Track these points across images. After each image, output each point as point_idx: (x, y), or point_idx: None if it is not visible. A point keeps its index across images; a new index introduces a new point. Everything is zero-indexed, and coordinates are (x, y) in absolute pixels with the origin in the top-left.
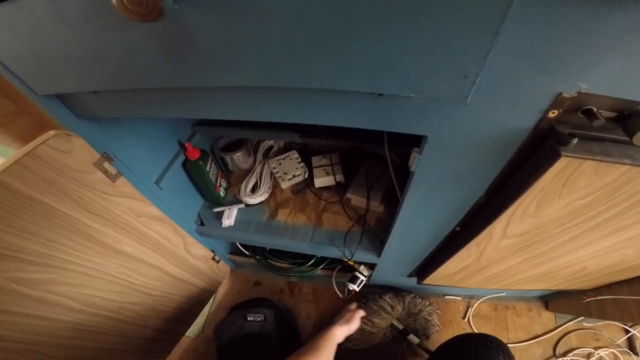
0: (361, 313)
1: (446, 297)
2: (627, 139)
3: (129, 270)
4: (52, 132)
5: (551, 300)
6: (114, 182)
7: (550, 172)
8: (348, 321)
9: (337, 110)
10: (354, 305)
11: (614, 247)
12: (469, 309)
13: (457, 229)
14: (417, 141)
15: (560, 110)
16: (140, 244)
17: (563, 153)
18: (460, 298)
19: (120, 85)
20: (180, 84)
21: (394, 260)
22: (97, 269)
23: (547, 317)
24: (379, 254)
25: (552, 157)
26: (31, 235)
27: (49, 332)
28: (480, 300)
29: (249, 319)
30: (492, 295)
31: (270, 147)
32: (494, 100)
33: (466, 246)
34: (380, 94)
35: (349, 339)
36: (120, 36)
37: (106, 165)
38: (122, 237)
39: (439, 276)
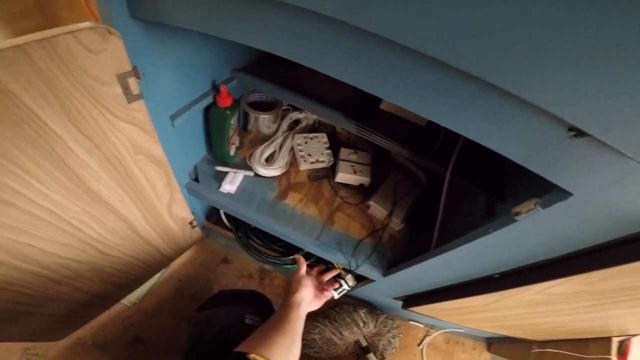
0: (329, 294)
1: (410, 322)
2: None
3: (91, 220)
4: (88, 23)
5: (495, 343)
6: (129, 103)
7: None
8: (316, 298)
9: (495, 128)
10: (322, 277)
11: (599, 317)
12: (426, 338)
13: (496, 276)
14: (517, 184)
15: None
16: (121, 187)
17: None
18: (422, 326)
19: None
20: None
21: (396, 284)
22: (52, 210)
23: (486, 359)
24: (383, 274)
25: None
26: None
27: None
28: (439, 331)
29: (247, 321)
30: (451, 330)
31: (298, 121)
32: None
33: (496, 292)
34: (576, 134)
35: (309, 344)
36: None
37: (131, 81)
38: (103, 175)
39: (431, 308)
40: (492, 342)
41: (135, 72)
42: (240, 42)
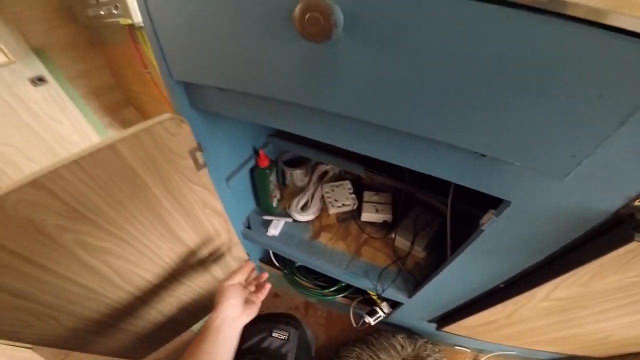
0: (262, 297)
1: (456, 347)
2: None
3: (175, 256)
4: (168, 115)
5: None
6: (198, 170)
7: (616, 252)
8: (248, 308)
9: (433, 161)
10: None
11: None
12: None
13: (501, 285)
14: (489, 202)
15: None
16: (195, 233)
17: (637, 239)
18: (469, 350)
19: (252, 89)
20: (306, 102)
21: (422, 304)
22: (151, 249)
23: None
24: (409, 295)
25: (624, 240)
26: (115, 202)
27: (77, 301)
28: (489, 355)
29: (273, 334)
30: (501, 352)
31: (326, 172)
32: (590, 181)
33: (504, 302)
34: (484, 155)
35: None
36: (278, 46)
37: (197, 154)
38: (184, 224)
39: (461, 326)
40: None
41: (200, 147)
42: (277, 127)
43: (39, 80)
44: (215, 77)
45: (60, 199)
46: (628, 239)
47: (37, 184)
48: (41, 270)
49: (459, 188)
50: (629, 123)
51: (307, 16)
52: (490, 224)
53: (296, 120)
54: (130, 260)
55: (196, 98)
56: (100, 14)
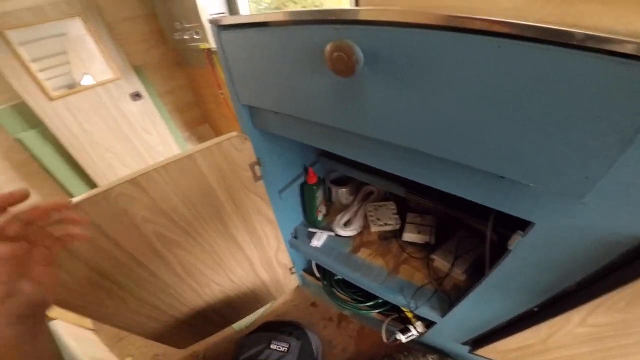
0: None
1: None
2: None
3: (229, 254)
4: (235, 133)
5: None
6: (256, 182)
7: None
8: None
9: (458, 181)
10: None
11: None
12: None
13: (535, 309)
14: (523, 224)
15: None
16: (249, 236)
17: None
18: None
19: (298, 113)
20: (340, 125)
21: (456, 325)
22: (211, 245)
23: None
24: (443, 315)
25: None
26: (190, 203)
27: (144, 285)
28: None
29: (272, 346)
30: None
31: (372, 193)
32: (614, 204)
33: (538, 325)
34: (502, 177)
35: None
36: (316, 79)
37: (256, 168)
38: (240, 227)
39: (495, 349)
40: None
41: (259, 161)
42: (319, 147)
43: (137, 96)
44: (271, 102)
45: (150, 196)
46: None
47: (135, 182)
48: (125, 254)
49: (500, 213)
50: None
51: (334, 55)
52: (517, 245)
53: (334, 141)
54: (193, 253)
55: (257, 119)
56: (185, 38)
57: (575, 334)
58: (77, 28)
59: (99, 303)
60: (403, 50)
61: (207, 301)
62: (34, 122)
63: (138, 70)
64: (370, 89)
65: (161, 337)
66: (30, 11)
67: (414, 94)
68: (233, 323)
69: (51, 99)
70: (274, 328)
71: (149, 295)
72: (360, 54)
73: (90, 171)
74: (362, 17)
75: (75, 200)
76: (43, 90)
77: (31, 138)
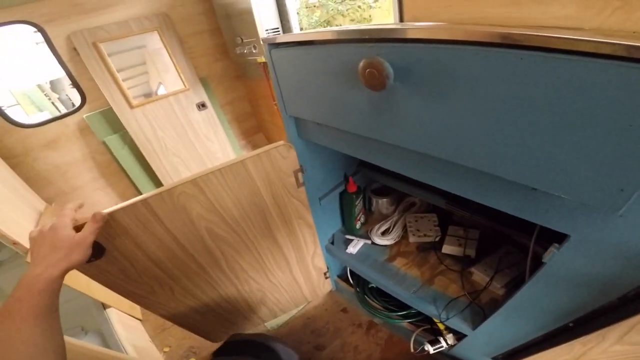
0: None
1: None
2: None
3: (269, 253)
4: (282, 142)
5: None
6: (298, 187)
7: None
8: (75, 244)
9: (490, 192)
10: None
11: None
12: None
13: (570, 324)
14: (561, 238)
15: None
16: (289, 238)
17: None
18: None
19: (337, 125)
20: (374, 136)
21: (487, 338)
22: (254, 244)
23: None
24: (474, 328)
25: None
26: (239, 204)
27: (191, 276)
28: None
29: None
30: None
31: (413, 204)
32: None
33: (571, 342)
34: (534, 189)
35: None
36: (351, 93)
37: (299, 174)
38: (281, 229)
39: None
40: None
41: (302, 169)
42: (357, 157)
43: (202, 106)
44: (313, 114)
45: (206, 195)
46: None
47: (195, 182)
48: (179, 246)
49: (544, 227)
50: None
51: (367, 71)
52: (552, 257)
53: (369, 150)
54: (238, 250)
55: (302, 129)
56: (244, 52)
57: (611, 352)
58: (154, 41)
59: (151, 291)
60: (432, 68)
61: (245, 297)
62: (117, 127)
63: (203, 82)
64: (402, 102)
65: (199, 328)
66: (118, 25)
67: (445, 107)
68: (265, 322)
69: (132, 107)
70: (239, 349)
71: (194, 286)
72: (390, 70)
73: (158, 173)
74: (404, 35)
75: (144, 196)
76: (126, 98)
77: (114, 141)
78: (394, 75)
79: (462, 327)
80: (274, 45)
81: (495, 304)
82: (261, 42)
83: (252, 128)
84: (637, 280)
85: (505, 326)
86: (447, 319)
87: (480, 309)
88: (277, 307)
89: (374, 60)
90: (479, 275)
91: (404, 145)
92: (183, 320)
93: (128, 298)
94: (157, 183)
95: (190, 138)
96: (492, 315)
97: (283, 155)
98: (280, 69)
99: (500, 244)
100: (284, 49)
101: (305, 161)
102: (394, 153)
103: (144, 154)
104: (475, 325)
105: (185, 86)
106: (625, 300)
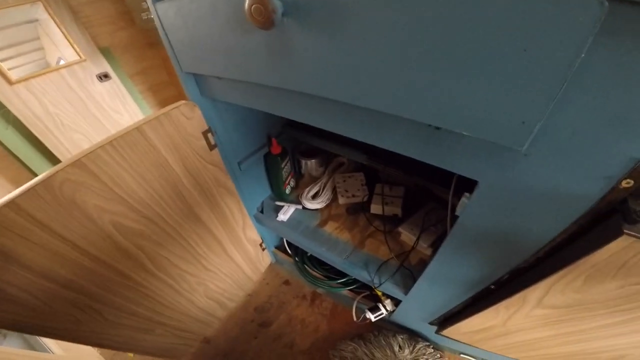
0: None
1: (462, 355)
2: None
3: (198, 238)
4: (182, 102)
5: None
6: (210, 150)
7: (607, 250)
8: None
9: (396, 136)
10: None
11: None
12: None
13: (492, 287)
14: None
15: (638, 181)
16: (212, 212)
17: (626, 231)
18: None
19: (236, 76)
20: (274, 83)
21: (420, 303)
22: (175, 229)
23: None
24: (406, 292)
25: (613, 234)
26: (145, 182)
27: (117, 290)
28: None
29: None
30: None
31: (342, 164)
32: (556, 156)
33: (495, 306)
34: (437, 128)
35: None
36: (245, 38)
37: (209, 135)
38: (202, 203)
39: (459, 331)
40: None
41: (210, 130)
42: (264, 110)
43: (104, 77)
44: (211, 67)
45: (99, 179)
46: (616, 233)
47: (79, 164)
48: (83, 255)
49: (463, 178)
50: (575, 82)
51: (252, 7)
52: (464, 209)
53: (276, 101)
54: (158, 242)
55: (203, 87)
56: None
57: (534, 316)
58: (41, 13)
59: (74, 320)
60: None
61: (188, 297)
62: None
63: (105, 52)
64: (296, 41)
65: (158, 349)
66: None
67: (338, 43)
68: (220, 317)
69: (11, 83)
70: None
71: (125, 301)
72: (275, 2)
73: (57, 152)
74: None
75: (10, 196)
76: (2, 73)
77: None
78: (282, 8)
79: (395, 292)
80: None
81: (424, 266)
82: None
83: (171, 97)
84: (549, 234)
85: (434, 290)
86: (380, 284)
87: (410, 272)
88: (224, 297)
89: None
90: (406, 235)
91: (303, 89)
92: (137, 345)
93: (50, 337)
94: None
95: (93, 112)
96: (419, 278)
97: (187, 115)
98: (168, 24)
99: (425, 201)
100: (168, 1)
101: (214, 122)
102: (298, 101)
103: (35, 132)
104: (407, 289)
105: (80, 57)
106: (539, 260)
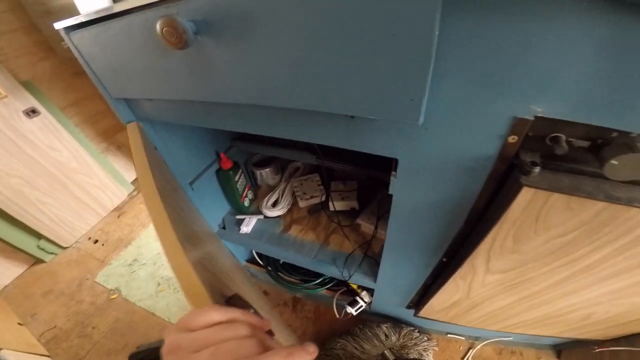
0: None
1: (449, 335)
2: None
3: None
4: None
5: (565, 349)
6: None
7: (516, 204)
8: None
9: (322, 130)
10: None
11: (618, 294)
12: (471, 351)
13: (444, 259)
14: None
15: (521, 136)
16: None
17: (525, 183)
18: (463, 338)
19: (165, 96)
20: (201, 98)
21: (391, 288)
22: None
23: None
24: (375, 279)
25: (515, 188)
26: None
27: None
28: (485, 342)
29: None
30: (498, 339)
31: (298, 168)
32: (450, 124)
33: (452, 278)
34: (352, 117)
35: None
36: (165, 58)
37: None
38: None
39: (433, 309)
40: (562, 349)
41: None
42: (199, 125)
43: (32, 112)
44: (138, 90)
45: None
46: (518, 186)
47: None
48: None
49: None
50: (447, 55)
51: (164, 30)
52: (394, 187)
53: (207, 115)
54: None
55: (137, 110)
56: None
57: (489, 283)
58: None
59: None
60: (227, 15)
61: None
62: None
63: (28, 85)
64: (213, 56)
65: None
66: None
67: (249, 52)
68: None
69: None
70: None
71: None
72: (184, 24)
73: None
74: None
75: None
76: None
77: None
78: (194, 28)
79: (366, 281)
80: (70, 28)
81: None
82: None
83: (112, 127)
84: (470, 198)
85: (396, 271)
86: (350, 276)
87: (374, 260)
88: None
89: (166, 18)
90: (365, 226)
91: (228, 100)
92: None
93: None
94: (5, 215)
95: (28, 152)
96: (381, 263)
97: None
98: (87, 52)
99: (377, 190)
100: (82, 30)
101: (156, 143)
102: (228, 111)
103: None
104: (374, 276)
105: (1, 93)
106: (472, 226)
